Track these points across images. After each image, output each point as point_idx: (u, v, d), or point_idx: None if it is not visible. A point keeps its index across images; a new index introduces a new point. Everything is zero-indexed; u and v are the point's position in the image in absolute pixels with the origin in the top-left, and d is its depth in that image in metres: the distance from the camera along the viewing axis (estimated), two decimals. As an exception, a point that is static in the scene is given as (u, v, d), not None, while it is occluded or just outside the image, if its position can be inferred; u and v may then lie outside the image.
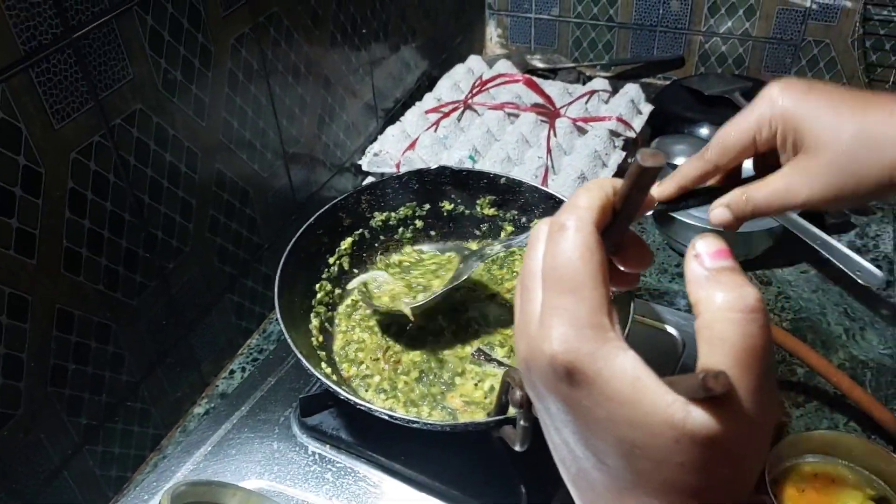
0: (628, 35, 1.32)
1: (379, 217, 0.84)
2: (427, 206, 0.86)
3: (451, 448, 0.68)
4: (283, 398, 0.78)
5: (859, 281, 0.89)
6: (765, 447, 0.32)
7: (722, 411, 0.29)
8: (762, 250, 0.94)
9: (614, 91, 1.16)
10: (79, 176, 0.61)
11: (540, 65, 1.36)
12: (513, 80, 1.16)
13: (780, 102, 0.49)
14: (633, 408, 0.30)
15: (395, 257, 0.86)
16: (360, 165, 1.05)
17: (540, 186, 0.83)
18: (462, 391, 0.70)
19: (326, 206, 0.79)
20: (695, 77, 1.26)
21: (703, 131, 1.13)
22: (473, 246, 0.86)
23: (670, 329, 0.82)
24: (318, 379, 0.63)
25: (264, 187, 0.86)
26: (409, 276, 0.80)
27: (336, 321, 0.79)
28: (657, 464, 0.30)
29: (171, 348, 0.76)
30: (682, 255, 0.93)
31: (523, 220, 0.84)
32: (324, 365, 0.71)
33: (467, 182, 0.85)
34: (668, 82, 1.29)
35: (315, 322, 0.76)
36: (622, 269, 0.38)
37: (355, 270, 0.83)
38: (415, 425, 0.60)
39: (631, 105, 1.11)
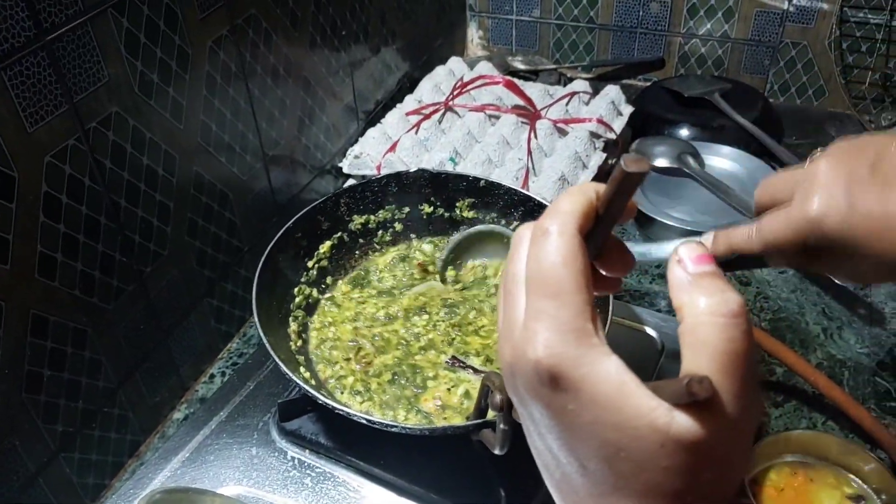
0: (609, 37, 1.33)
1: (358, 220, 0.84)
2: (406, 209, 0.86)
3: (430, 452, 0.68)
4: (262, 403, 0.77)
5: (837, 281, 0.90)
6: (748, 450, 0.32)
7: (706, 416, 0.30)
8: (741, 251, 0.95)
9: (595, 92, 1.16)
10: (53, 180, 0.60)
11: (521, 66, 1.36)
12: (493, 82, 1.16)
13: (819, 229, 0.43)
14: (618, 412, 0.30)
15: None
16: (340, 168, 1.05)
17: (519, 189, 0.83)
18: (435, 393, 0.70)
19: (304, 210, 0.79)
20: (675, 78, 1.27)
21: (684, 132, 1.14)
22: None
23: (650, 330, 0.82)
24: (297, 384, 0.63)
25: (244, 190, 0.85)
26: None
27: (311, 319, 0.78)
28: (641, 468, 0.30)
29: (149, 353, 0.76)
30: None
31: (503, 222, 0.84)
32: (302, 369, 0.70)
33: (447, 185, 0.85)
34: (648, 84, 1.30)
35: (294, 326, 0.76)
36: (604, 273, 0.38)
37: (332, 276, 0.83)
38: (394, 430, 0.60)
39: (611, 106, 1.11)
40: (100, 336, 0.68)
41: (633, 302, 0.89)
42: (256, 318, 0.67)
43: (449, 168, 1.00)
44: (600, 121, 1.07)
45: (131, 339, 0.73)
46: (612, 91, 1.15)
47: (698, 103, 1.17)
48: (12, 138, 0.56)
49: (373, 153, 1.04)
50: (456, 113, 1.12)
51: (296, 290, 0.78)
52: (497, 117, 1.10)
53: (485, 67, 1.21)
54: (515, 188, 0.82)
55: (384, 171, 1.00)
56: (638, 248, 0.61)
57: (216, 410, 0.77)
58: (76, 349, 0.66)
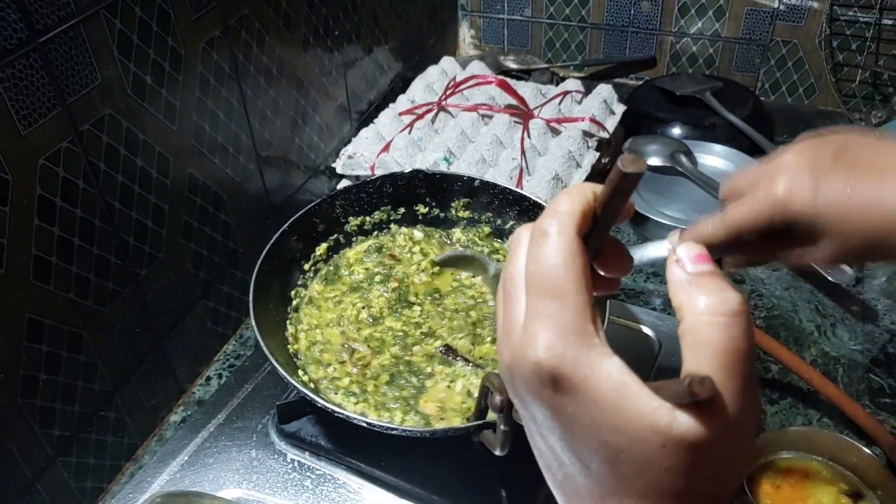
0: (600, 36, 1.33)
1: (354, 222, 0.84)
2: (402, 210, 0.86)
3: (431, 453, 0.68)
4: (260, 405, 0.77)
5: (829, 278, 0.90)
6: (748, 449, 0.32)
7: (707, 416, 0.30)
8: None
9: (587, 91, 1.17)
10: (47, 182, 0.60)
11: (513, 66, 1.36)
12: (486, 82, 1.16)
13: (784, 211, 0.45)
14: (619, 413, 0.30)
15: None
16: (334, 168, 1.05)
17: (514, 188, 0.83)
18: (435, 394, 0.70)
19: (300, 212, 0.78)
20: (666, 77, 1.27)
21: (676, 131, 1.14)
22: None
23: (646, 329, 0.82)
24: (295, 387, 0.62)
25: (238, 191, 0.85)
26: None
27: (297, 321, 0.78)
28: (643, 468, 0.30)
29: (145, 356, 0.75)
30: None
31: (498, 221, 0.84)
32: (301, 372, 0.70)
33: (441, 185, 0.85)
34: (640, 82, 1.30)
35: (291, 329, 0.75)
36: (603, 274, 0.38)
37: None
38: (394, 432, 0.60)
39: (604, 105, 1.11)
40: (95, 339, 0.68)
41: (628, 301, 0.89)
42: (254, 322, 0.67)
43: (443, 168, 1.00)
44: (593, 120, 1.08)
45: (127, 342, 0.72)
46: (604, 90, 1.15)
47: (690, 102, 1.17)
48: (5, 141, 0.56)
49: (366, 153, 1.03)
50: (449, 113, 1.12)
51: (293, 292, 0.78)
52: (490, 117, 1.10)
53: (477, 67, 1.21)
54: (510, 188, 0.82)
55: (378, 172, 1.00)
56: (635, 253, 0.61)
57: (214, 413, 0.76)
58: (72, 353, 0.66)
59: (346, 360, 0.73)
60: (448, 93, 1.14)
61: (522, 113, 1.09)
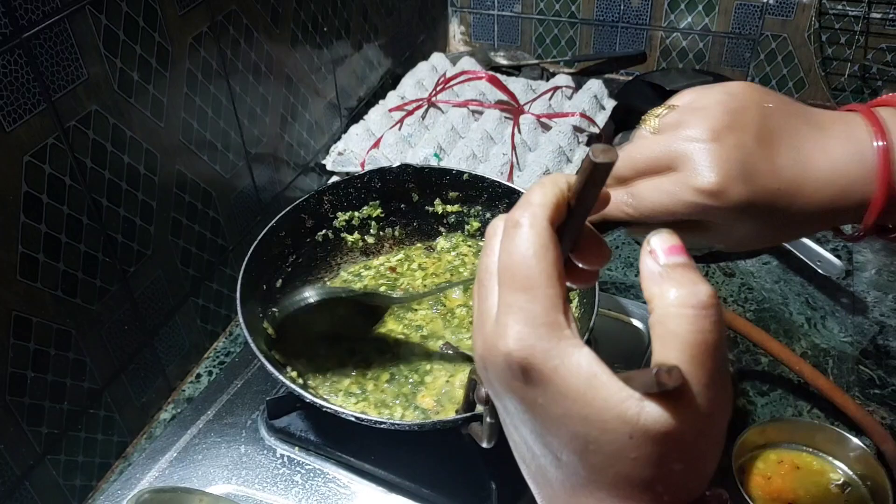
0: (590, 31, 1.33)
1: (342, 217, 0.83)
2: (391, 205, 0.85)
3: (421, 447, 0.68)
4: (250, 401, 0.77)
5: (820, 271, 0.90)
6: (719, 441, 0.32)
7: (675, 406, 0.30)
8: (725, 242, 0.95)
9: (577, 87, 1.17)
10: (33, 179, 0.59)
11: (503, 62, 1.36)
12: (476, 78, 1.16)
13: (716, 204, 0.42)
14: (588, 404, 0.30)
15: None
16: (324, 165, 1.05)
17: (503, 181, 0.83)
18: (433, 389, 0.70)
19: (288, 208, 0.78)
20: (657, 72, 1.27)
21: (666, 126, 1.14)
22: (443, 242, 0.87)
23: (636, 322, 0.82)
24: (284, 383, 0.62)
25: (227, 188, 0.85)
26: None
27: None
28: (611, 459, 0.31)
29: (134, 353, 0.75)
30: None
31: (488, 215, 0.84)
32: (289, 368, 0.70)
33: (430, 179, 0.84)
34: (630, 78, 1.30)
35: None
36: (581, 265, 0.38)
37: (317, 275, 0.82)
38: (382, 426, 0.60)
39: (594, 101, 1.12)
40: (84, 337, 0.68)
41: (618, 294, 0.89)
42: (241, 319, 0.67)
43: (433, 164, 1.00)
44: (583, 115, 1.08)
45: (116, 339, 0.72)
46: (594, 85, 1.15)
47: (680, 96, 1.17)
48: (-9, 138, 0.55)
49: (356, 150, 1.03)
50: (439, 109, 1.12)
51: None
52: (480, 112, 1.10)
53: (467, 63, 1.21)
54: (500, 181, 0.82)
55: (368, 168, 1.00)
56: None
57: (203, 410, 0.76)
58: (60, 350, 0.65)
59: (348, 364, 0.73)
60: (438, 89, 1.14)
61: (513, 108, 1.09)
